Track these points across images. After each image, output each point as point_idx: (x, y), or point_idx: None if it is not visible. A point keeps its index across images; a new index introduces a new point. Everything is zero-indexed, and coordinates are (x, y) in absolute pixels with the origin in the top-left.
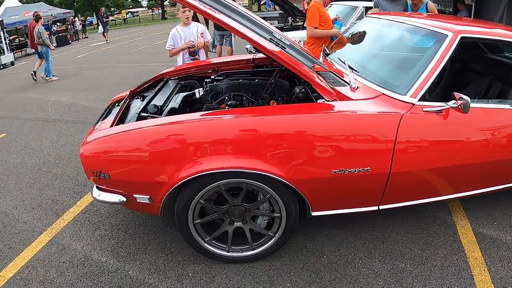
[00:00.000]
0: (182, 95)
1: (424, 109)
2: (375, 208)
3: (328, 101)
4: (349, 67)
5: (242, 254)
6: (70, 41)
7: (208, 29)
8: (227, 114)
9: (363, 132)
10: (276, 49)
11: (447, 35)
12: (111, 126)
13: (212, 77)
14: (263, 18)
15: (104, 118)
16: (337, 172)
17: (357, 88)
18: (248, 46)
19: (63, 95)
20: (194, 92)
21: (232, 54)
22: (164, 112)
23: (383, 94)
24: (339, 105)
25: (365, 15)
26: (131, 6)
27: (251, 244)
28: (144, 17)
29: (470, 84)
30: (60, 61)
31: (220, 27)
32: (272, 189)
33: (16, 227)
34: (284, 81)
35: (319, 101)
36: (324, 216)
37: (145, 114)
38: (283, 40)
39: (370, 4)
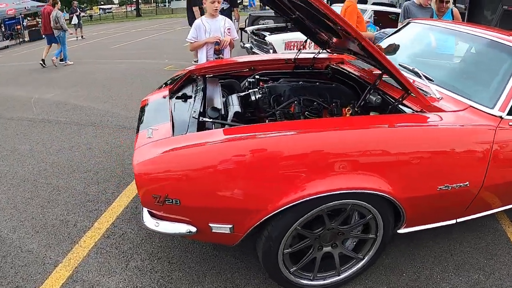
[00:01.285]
0: (236, 97)
1: (510, 123)
2: (454, 221)
3: (418, 111)
4: (424, 76)
5: (326, 281)
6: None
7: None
8: (322, 125)
9: (465, 146)
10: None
11: None
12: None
13: (257, 76)
14: (259, 16)
15: (147, 123)
16: (442, 188)
17: (441, 99)
18: (247, 45)
19: (48, 92)
20: (249, 94)
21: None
22: (229, 117)
23: (471, 106)
24: (440, 117)
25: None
26: (102, 3)
27: (338, 270)
28: (117, 14)
29: None
30: (37, 56)
31: None
32: (376, 209)
33: (20, 258)
34: (340, 86)
35: (407, 111)
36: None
37: (207, 120)
38: None
39: (378, 8)
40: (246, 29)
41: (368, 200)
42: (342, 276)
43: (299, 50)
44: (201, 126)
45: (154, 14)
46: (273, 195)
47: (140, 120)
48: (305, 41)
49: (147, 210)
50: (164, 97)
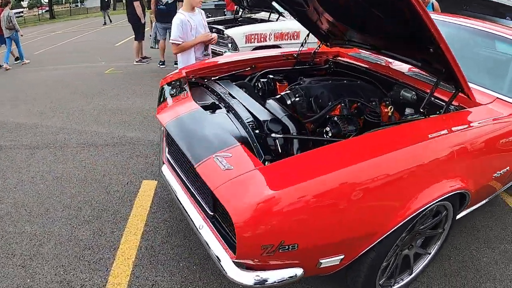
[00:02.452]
0: (275, 102)
1: None
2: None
3: (458, 106)
4: None
5: (403, 283)
6: None
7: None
8: (402, 139)
9: (506, 136)
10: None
11: None
12: (257, 165)
13: (270, 76)
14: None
15: (205, 148)
16: (495, 175)
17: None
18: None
19: None
20: (283, 97)
21: None
22: (291, 129)
23: (498, 98)
24: (483, 111)
25: None
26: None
27: (411, 269)
28: (29, 18)
29: None
30: None
31: (163, 19)
32: (452, 204)
33: None
34: (362, 83)
35: (451, 108)
36: None
37: (277, 136)
38: None
39: None
40: None
41: (449, 199)
42: (414, 274)
43: (302, 45)
44: (264, 142)
45: (69, 15)
46: (384, 218)
47: (186, 145)
48: (270, 34)
49: (234, 262)
50: (195, 109)
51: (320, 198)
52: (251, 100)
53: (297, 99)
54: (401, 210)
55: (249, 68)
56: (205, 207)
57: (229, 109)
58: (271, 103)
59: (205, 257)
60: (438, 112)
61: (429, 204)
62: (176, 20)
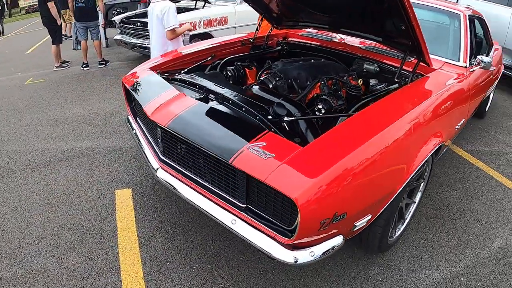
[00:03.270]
0: (259, 88)
1: (471, 70)
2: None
3: (420, 73)
4: None
5: (399, 231)
6: None
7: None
8: (394, 108)
9: (463, 93)
10: None
11: (460, 14)
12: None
13: (239, 63)
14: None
15: (233, 140)
16: (458, 126)
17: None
18: (118, 37)
19: None
20: (264, 82)
21: (100, 49)
22: (294, 112)
23: (446, 62)
24: (441, 75)
25: None
26: None
27: (404, 218)
28: None
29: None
30: None
31: (83, 17)
32: (435, 155)
33: None
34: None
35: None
36: None
37: (289, 118)
38: None
39: None
40: (114, 19)
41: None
42: (406, 222)
43: (256, 29)
44: (280, 126)
45: None
46: (398, 178)
47: (205, 142)
48: (199, 22)
49: (284, 245)
50: (194, 104)
51: (358, 168)
52: (240, 89)
53: (278, 82)
54: (408, 169)
55: (210, 58)
56: (234, 201)
57: (225, 100)
58: (256, 89)
59: (215, 254)
60: (406, 80)
61: (424, 161)
62: (172, 7)
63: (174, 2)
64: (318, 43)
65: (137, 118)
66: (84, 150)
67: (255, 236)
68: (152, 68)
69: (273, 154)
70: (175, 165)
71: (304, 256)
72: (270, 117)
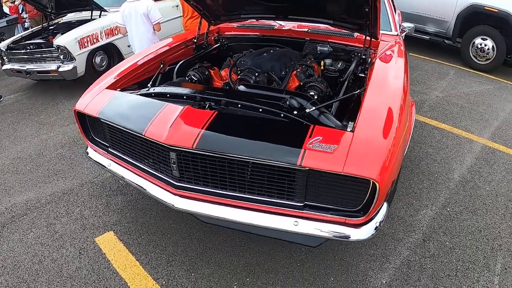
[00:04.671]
0: (246, 87)
1: (401, 36)
2: None
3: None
4: None
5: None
6: None
7: None
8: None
9: (402, 60)
10: None
11: None
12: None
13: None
14: None
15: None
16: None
17: None
18: (8, 67)
19: None
20: (245, 79)
21: None
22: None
23: (383, 33)
24: (388, 44)
25: None
26: None
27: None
28: None
29: None
30: None
31: None
32: None
33: None
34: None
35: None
36: None
37: (312, 108)
38: None
39: None
40: None
41: None
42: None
43: (199, 28)
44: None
45: None
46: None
47: (256, 153)
48: (100, 32)
49: (359, 225)
50: (214, 117)
51: (399, 137)
52: (228, 91)
53: (258, 77)
54: (409, 130)
55: (162, 66)
56: (290, 203)
57: (231, 105)
58: (245, 88)
59: (246, 265)
60: (364, 55)
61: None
62: (154, 4)
63: (60, 17)
64: (258, 33)
65: (111, 149)
66: (27, 205)
67: (325, 228)
68: (111, 87)
69: (335, 145)
70: (204, 189)
71: (370, 228)
72: (295, 112)
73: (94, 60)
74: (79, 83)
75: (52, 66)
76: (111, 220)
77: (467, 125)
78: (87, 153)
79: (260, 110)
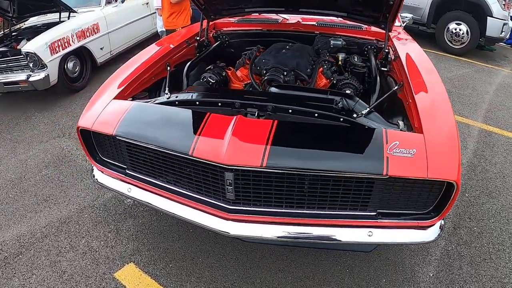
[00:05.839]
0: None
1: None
2: None
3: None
4: None
5: None
6: None
7: None
8: None
9: None
10: None
11: None
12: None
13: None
14: None
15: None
16: None
17: None
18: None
19: None
20: (274, 80)
21: None
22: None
23: None
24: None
25: None
26: None
27: None
28: None
29: None
30: None
31: None
32: None
33: None
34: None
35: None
36: None
37: (367, 109)
38: None
39: None
40: None
41: None
42: None
43: (201, 26)
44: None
45: None
46: None
47: (336, 167)
48: (72, 35)
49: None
50: (274, 122)
51: (457, 131)
52: (266, 94)
53: (287, 76)
54: None
55: (168, 68)
56: (362, 213)
57: (280, 110)
58: (275, 90)
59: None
60: (379, 48)
61: None
62: None
63: (23, 21)
64: (262, 28)
65: (130, 172)
66: (21, 241)
67: (401, 235)
68: (119, 97)
69: (414, 149)
70: (260, 209)
71: (436, 229)
72: (354, 115)
73: (66, 66)
74: (50, 93)
75: (21, 76)
76: (128, 250)
77: (460, 110)
78: (94, 176)
79: (316, 115)
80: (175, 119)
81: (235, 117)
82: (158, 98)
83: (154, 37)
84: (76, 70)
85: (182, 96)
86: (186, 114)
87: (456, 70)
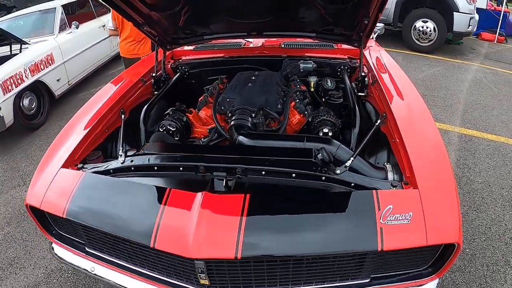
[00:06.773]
0: (247, 137)
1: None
2: None
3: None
4: None
5: None
6: None
7: None
8: None
9: None
10: None
11: None
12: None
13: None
14: None
15: None
16: None
17: None
18: None
19: None
20: (240, 126)
21: None
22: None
23: None
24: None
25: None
26: None
27: None
28: None
29: None
30: None
31: None
32: None
33: None
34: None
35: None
36: None
37: (350, 160)
38: None
39: None
40: None
41: None
42: None
43: (156, 60)
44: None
45: None
46: None
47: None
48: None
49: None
50: (246, 196)
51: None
52: (227, 148)
53: (255, 118)
54: None
55: (123, 116)
56: (355, 282)
57: (252, 172)
58: (243, 139)
59: None
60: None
61: None
62: None
63: None
64: (224, 54)
65: (90, 249)
66: None
67: None
68: (68, 164)
69: (410, 213)
70: None
71: (435, 282)
72: (338, 171)
73: (22, 103)
74: (7, 133)
75: None
76: None
77: (436, 115)
78: (53, 249)
79: (294, 175)
80: (131, 197)
81: (200, 194)
82: (111, 162)
83: (114, 60)
84: (33, 106)
85: (138, 160)
86: (143, 190)
87: (426, 69)
